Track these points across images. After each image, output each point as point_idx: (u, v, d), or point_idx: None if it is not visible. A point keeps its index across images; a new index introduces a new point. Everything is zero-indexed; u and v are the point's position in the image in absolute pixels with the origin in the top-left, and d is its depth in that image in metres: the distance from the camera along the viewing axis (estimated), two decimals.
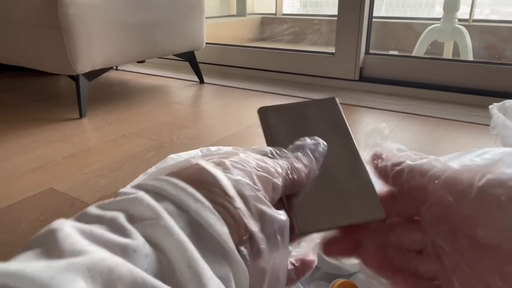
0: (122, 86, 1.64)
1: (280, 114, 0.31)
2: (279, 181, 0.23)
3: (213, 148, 0.58)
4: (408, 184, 0.25)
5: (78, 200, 0.75)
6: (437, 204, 0.23)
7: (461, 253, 0.22)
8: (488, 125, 0.70)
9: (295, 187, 0.25)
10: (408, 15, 2.76)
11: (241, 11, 3.02)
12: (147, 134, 1.08)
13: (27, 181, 0.83)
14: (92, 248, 0.16)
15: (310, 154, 0.26)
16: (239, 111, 1.28)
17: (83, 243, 0.16)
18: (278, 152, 0.26)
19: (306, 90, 1.51)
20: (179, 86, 1.62)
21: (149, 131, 1.11)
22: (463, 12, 2.00)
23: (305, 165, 0.25)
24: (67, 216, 0.19)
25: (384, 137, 0.30)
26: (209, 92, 1.53)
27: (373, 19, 1.51)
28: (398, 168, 0.26)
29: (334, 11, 1.51)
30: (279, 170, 0.23)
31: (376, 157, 0.28)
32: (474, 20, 2.29)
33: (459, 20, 1.91)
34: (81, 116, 1.23)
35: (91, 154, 0.96)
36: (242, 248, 0.20)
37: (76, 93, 1.23)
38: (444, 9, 1.92)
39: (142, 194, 0.19)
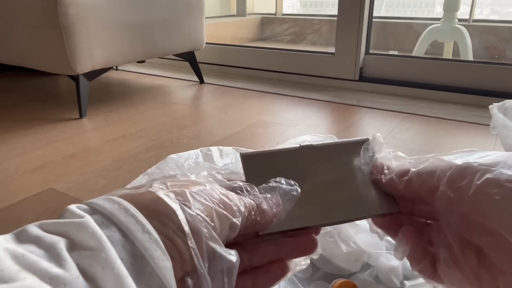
0: (122, 86, 1.64)
1: (263, 159, 0.30)
2: (238, 221, 0.23)
3: (213, 148, 0.58)
4: (422, 190, 0.26)
5: (78, 200, 0.75)
6: (441, 199, 0.24)
7: (468, 234, 0.23)
8: (488, 125, 0.69)
9: (257, 227, 0.25)
10: (408, 15, 2.76)
11: (241, 11, 3.02)
12: (147, 134, 1.08)
13: (27, 181, 0.83)
14: (21, 275, 0.15)
15: (279, 198, 0.26)
16: (239, 111, 1.28)
17: (12, 269, 0.15)
18: (248, 189, 0.25)
19: (306, 90, 1.51)
20: (179, 86, 1.62)
21: (149, 131, 1.11)
22: (463, 12, 2.00)
23: (271, 208, 0.25)
24: None
25: (380, 146, 0.30)
26: (209, 92, 1.53)
27: (373, 19, 1.51)
28: (406, 178, 0.27)
29: (334, 11, 1.51)
30: (242, 209, 0.23)
31: (378, 171, 0.29)
32: (474, 20, 2.29)
33: (459, 20, 1.91)
34: (81, 116, 1.23)
35: (91, 154, 0.96)
36: (188, 279, 0.20)
37: (76, 93, 1.23)
38: (444, 9, 1.92)
39: (88, 220, 0.19)
